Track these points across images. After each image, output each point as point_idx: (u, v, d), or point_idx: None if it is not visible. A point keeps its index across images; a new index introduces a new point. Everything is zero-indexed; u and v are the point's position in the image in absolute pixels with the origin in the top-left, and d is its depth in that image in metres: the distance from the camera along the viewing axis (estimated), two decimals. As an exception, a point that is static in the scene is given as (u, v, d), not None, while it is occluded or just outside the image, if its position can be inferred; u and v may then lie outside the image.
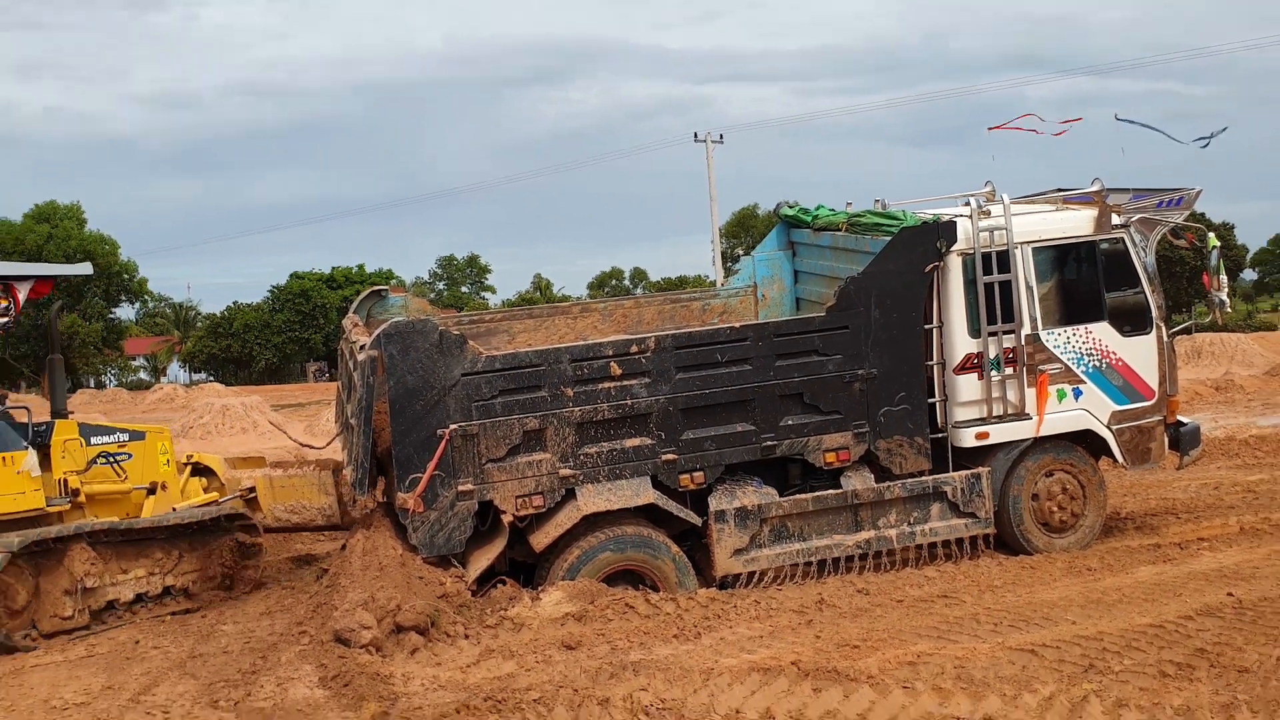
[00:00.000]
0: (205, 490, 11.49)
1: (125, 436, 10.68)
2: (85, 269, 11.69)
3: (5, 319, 9.49)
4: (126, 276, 73.47)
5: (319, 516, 11.53)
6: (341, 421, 10.98)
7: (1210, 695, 6.22)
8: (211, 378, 71.43)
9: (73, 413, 10.61)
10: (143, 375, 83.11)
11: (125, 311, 78.87)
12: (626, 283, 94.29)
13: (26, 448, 9.52)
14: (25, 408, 10.38)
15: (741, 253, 45.27)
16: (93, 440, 10.33)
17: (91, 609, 9.53)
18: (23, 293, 9.59)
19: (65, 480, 9.93)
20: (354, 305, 11.69)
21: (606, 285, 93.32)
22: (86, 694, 7.85)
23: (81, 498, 10.09)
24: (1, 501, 9.26)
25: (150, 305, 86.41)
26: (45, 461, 9.79)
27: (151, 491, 10.69)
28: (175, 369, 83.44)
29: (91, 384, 71.92)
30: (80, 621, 9.42)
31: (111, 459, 10.42)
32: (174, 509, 10.60)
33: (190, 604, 10.24)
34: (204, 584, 10.41)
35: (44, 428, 10.01)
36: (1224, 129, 12.93)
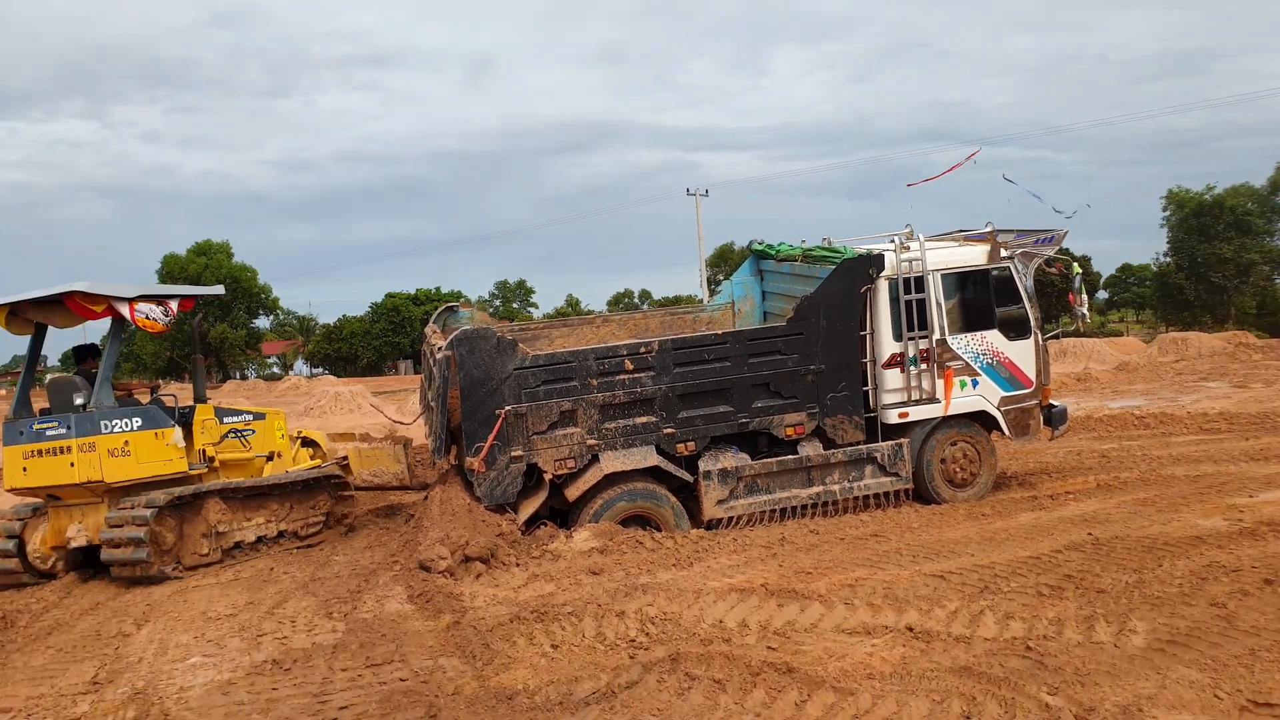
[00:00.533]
0: (311, 458, 11.46)
1: (250, 417, 10.64)
2: (218, 290, 11.58)
3: (168, 317, 9.48)
4: (263, 296, 73.90)
5: (393, 479, 11.49)
6: (424, 404, 10.95)
7: (1076, 610, 6.18)
8: (326, 371, 71.53)
9: (210, 399, 10.57)
10: (275, 370, 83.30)
11: (262, 322, 79.27)
12: (636, 300, 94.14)
13: (174, 425, 9.48)
14: (173, 395, 10.35)
15: (722, 278, 45.10)
16: (224, 420, 10.28)
17: (223, 548, 9.50)
18: (174, 305, 9.61)
19: (203, 450, 9.90)
20: (433, 317, 11.64)
21: (621, 301, 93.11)
22: (233, 607, 7.86)
23: (216, 463, 10.07)
24: (155, 466, 9.22)
25: (281, 317, 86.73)
26: (188, 436, 9.76)
27: (269, 458, 10.67)
28: (300, 365, 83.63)
29: (237, 376, 72.04)
30: (214, 558, 9.38)
31: (239, 434, 10.37)
32: (286, 472, 10.57)
33: (299, 544, 10.14)
34: (309, 527, 10.35)
35: (188, 410, 9.97)
36: (1087, 205, 12.77)
